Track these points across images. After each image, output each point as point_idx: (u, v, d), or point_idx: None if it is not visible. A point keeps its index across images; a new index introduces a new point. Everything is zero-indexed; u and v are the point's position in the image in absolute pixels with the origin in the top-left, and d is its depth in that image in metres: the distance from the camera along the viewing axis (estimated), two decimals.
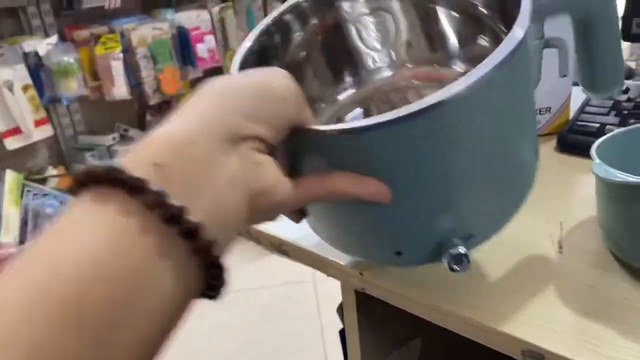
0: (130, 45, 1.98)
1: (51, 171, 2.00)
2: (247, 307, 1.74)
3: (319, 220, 0.41)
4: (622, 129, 0.46)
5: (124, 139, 2.19)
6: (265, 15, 2.45)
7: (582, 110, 0.65)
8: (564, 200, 0.52)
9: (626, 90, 0.67)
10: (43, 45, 1.76)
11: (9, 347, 0.18)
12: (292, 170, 0.34)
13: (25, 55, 1.76)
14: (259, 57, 0.42)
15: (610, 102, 0.65)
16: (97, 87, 1.97)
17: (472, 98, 0.31)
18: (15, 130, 1.73)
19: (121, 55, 1.93)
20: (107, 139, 2.10)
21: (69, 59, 1.78)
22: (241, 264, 1.87)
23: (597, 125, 0.61)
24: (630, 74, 0.81)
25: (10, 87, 1.69)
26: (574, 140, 0.58)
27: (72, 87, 1.80)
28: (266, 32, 0.44)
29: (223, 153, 0.26)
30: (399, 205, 0.34)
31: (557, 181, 0.55)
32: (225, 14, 2.23)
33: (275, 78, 0.30)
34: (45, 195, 1.79)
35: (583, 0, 0.40)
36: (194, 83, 2.38)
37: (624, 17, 0.71)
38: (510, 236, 0.47)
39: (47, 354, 0.19)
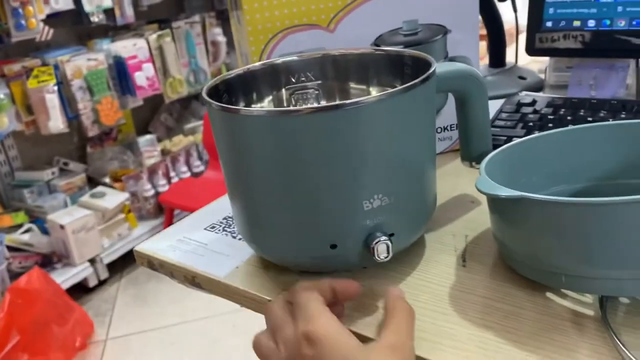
0: (65, 77, 1.94)
1: None
2: (196, 339, 1.71)
3: (254, 222, 0.45)
4: (512, 143, 0.48)
5: (64, 172, 2.14)
6: (205, 40, 2.45)
7: (492, 123, 0.67)
8: (471, 213, 0.54)
9: (533, 102, 0.70)
10: None
11: None
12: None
13: None
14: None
15: (518, 115, 0.68)
16: (32, 121, 1.92)
17: (381, 106, 0.40)
18: None
19: (55, 88, 1.89)
20: (46, 174, 2.05)
21: None
22: (188, 294, 1.83)
23: (504, 138, 0.63)
24: (540, 86, 0.85)
25: None
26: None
27: (4, 122, 1.75)
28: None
29: None
30: (337, 197, 0.41)
31: (466, 195, 0.57)
32: (163, 42, 2.22)
33: None
34: None
35: (460, 83, 0.49)
36: (135, 112, 2.35)
37: (527, 33, 0.75)
38: (418, 251, 0.49)
39: None
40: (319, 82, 0.52)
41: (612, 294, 0.39)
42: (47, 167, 2.08)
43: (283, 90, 0.52)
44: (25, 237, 1.87)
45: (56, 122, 1.90)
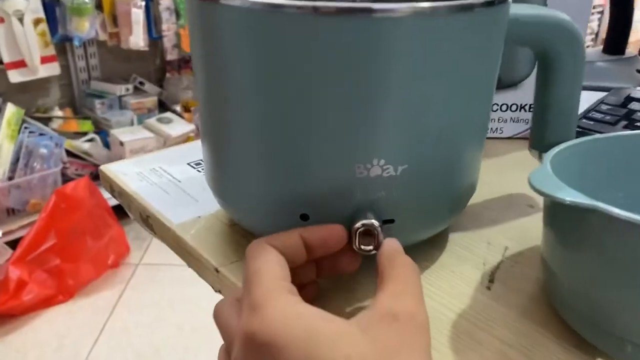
0: None
1: (57, 112, 1.94)
2: None
3: (219, 164, 0.33)
4: (600, 135, 0.33)
5: (138, 91, 2.12)
6: None
7: (585, 114, 0.52)
8: (524, 220, 0.39)
9: None
10: None
11: None
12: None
13: None
14: None
15: (624, 111, 0.51)
16: (116, 33, 1.89)
17: (417, 23, 0.26)
18: (20, 64, 1.67)
19: (143, 3, 1.84)
20: (120, 89, 2.03)
21: None
22: None
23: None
24: None
25: (21, 18, 1.63)
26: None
27: (85, 27, 1.73)
28: None
29: None
30: (320, 148, 0.28)
31: (524, 195, 0.43)
32: None
33: None
34: (42, 134, 1.73)
35: (545, 36, 0.35)
36: None
37: None
38: (432, 251, 0.35)
39: None
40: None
41: None
42: (123, 82, 2.07)
43: None
44: (86, 146, 1.88)
45: (137, 39, 1.86)
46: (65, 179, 1.79)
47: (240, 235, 0.36)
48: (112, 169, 0.45)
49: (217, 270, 0.34)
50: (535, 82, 0.38)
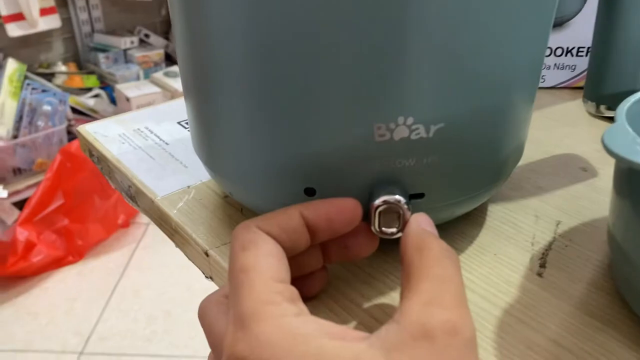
0: None
1: (60, 67, 1.88)
2: None
3: (205, 126, 0.27)
4: None
5: (144, 44, 2.04)
6: None
7: None
8: (578, 187, 0.33)
9: None
10: None
11: None
12: None
13: None
14: None
15: None
16: None
17: None
18: (19, 16, 1.60)
19: None
20: (125, 42, 1.95)
21: None
22: None
23: None
24: None
25: None
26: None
27: None
28: None
29: None
30: (329, 104, 0.22)
31: (575, 157, 0.36)
32: None
33: None
34: (44, 91, 1.67)
35: None
36: None
37: None
38: (469, 230, 0.29)
39: None
40: None
41: None
42: (128, 35, 1.99)
43: None
44: (91, 102, 1.82)
45: None
46: (72, 136, 1.74)
47: (237, 210, 0.30)
48: (90, 130, 0.39)
49: (207, 254, 0.28)
50: (595, 24, 0.31)
